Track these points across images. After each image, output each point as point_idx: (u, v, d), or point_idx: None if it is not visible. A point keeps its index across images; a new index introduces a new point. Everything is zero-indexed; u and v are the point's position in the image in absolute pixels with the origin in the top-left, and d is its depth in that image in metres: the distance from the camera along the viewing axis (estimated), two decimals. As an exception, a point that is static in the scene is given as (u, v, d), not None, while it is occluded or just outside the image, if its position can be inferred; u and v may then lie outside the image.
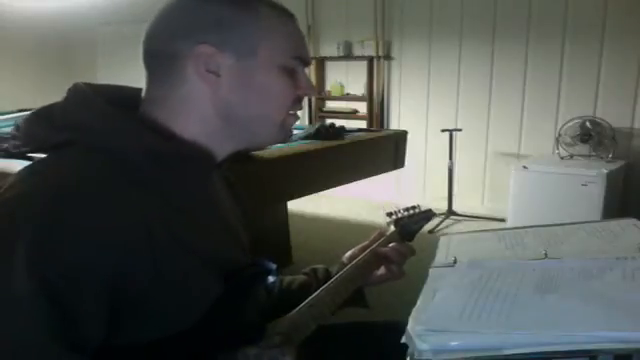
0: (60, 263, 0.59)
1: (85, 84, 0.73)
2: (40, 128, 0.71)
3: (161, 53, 0.73)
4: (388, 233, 1.05)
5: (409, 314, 0.66)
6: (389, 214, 1.08)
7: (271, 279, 0.77)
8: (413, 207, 1.12)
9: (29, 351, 0.58)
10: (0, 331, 0.58)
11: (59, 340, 0.59)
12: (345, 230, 3.71)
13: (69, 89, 0.73)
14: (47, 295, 0.58)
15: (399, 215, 1.09)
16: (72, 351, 0.60)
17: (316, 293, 0.87)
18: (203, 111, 0.73)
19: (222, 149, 0.76)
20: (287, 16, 0.77)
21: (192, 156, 0.73)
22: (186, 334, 0.69)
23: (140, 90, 0.78)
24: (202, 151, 0.74)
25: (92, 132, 0.68)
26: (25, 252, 0.58)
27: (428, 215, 1.14)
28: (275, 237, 2.87)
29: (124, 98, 0.75)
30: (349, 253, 1.04)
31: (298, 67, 0.77)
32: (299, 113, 0.81)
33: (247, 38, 0.73)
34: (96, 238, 0.61)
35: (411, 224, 1.10)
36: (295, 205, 3.06)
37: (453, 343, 0.59)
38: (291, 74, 0.76)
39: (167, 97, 0.73)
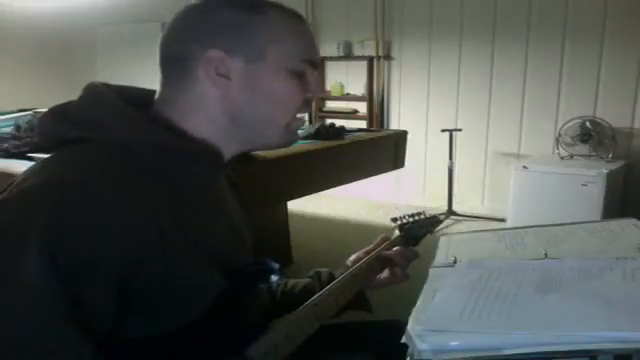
0: (72, 251, 0.60)
1: (100, 83, 0.75)
2: (55, 125, 0.73)
3: (174, 57, 0.76)
4: (392, 237, 1.06)
5: (409, 314, 0.66)
6: (394, 219, 1.08)
7: (274, 278, 0.77)
8: (419, 213, 1.12)
9: (43, 335, 0.59)
10: (14, 316, 0.58)
11: (72, 324, 0.60)
12: (345, 230, 3.71)
13: (84, 87, 0.75)
14: (59, 280, 0.59)
15: (404, 220, 1.09)
16: (84, 335, 0.61)
17: (320, 293, 0.87)
18: (212, 112, 0.75)
19: (228, 149, 0.78)
20: (296, 19, 0.78)
21: (203, 153, 0.75)
22: (188, 329, 0.70)
23: (150, 91, 0.80)
24: (212, 149, 0.76)
25: (108, 129, 0.70)
26: (38, 240, 0.59)
27: (433, 221, 1.14)
28: (275, 237, 2.87)
29: (136, 98, 0.77)
30: (353, 257, 1.05)
31: (307, 70, 0.78)
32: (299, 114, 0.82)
33: (256, 42, 0.74)
34: (108, 230, 0.62)
35: (416, 229, 1.10)
36: (295, 205, 3.06)
37: (453, 343, 0.59)
38: (300, 77, 0.77)
39: (179, 98, 0.75)
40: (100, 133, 0.70)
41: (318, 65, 0.81)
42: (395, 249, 1.03)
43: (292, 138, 0.81)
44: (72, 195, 0.62)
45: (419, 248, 1.08)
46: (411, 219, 1.10)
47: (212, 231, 0.76)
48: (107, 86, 0.75)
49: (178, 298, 0.69)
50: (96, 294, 0.63)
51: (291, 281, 1.05)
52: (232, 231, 0.83)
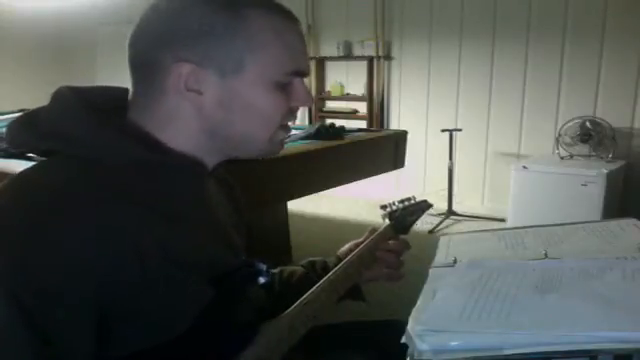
0: (39, 288, 0.56)
1: (69, 89, 0.70)
2: (25, 135, 0.68)
3: (142, 62, 0.70)
4: (382, 228, 1.02)
5: (409, 314, 0.66)
6: (383, 207, 1.04)
7: (262, 280, 0.75)
8: (408, 199, 1.07)
9: None
10: None
11: None
12: (345, 230, 3.71)
13: (52, 94, 0.69)
14: (26, 322, 0.56)
15: (393, 207, 1.04)
16: None
17: (311, 291, 0.84)
18: (188, 126, 0.70)
19: (210, 159, 0.74)
20: (283, 19, 0.70)
21: (181, 166, 0.70)
22: (180, 340, 0.68)
23: (125, 91, 0.74)
24: (191, 161, 0.71)
25: (76, 142, 0.65)
26: (0, 279, 0.56)
27: (423, 206, 1.09)
28: (275, 237, 2.87)
29: (110, 100, 0.72)
30: (345, 247, 1.02)
31: (294, 80, 0.72)
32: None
33: (233, 52, 0.66)
34: (76, 256, 0.58)
35: (406, 216, 1.05)
36: (295, 205, 3.06)
37: (453, 343, 0.58)
38: (284, 87, 0.71)
39: (152, 107, 0.70)
40: (70, 147, 0.65)
41: (307, 74, 0.73)
42: (387, 248, 0.99)
43: (276, 149, 0.75)
44: (33, 222, 0.58)
45: (411, 241, 1.04)
46: (401, 205, 1.05)
47: (195, 240, 0.71)
48: (77, 91, 0.70)
49: (164, 313, 0.66)
50: (69, 326, 0.59)
51: (287, 270, 1.02)
52: (219, 236, 0.78)
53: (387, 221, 1.03)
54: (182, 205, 0.71)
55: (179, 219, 0.69)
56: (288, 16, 0.71)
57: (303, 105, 0.75)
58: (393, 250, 1.00)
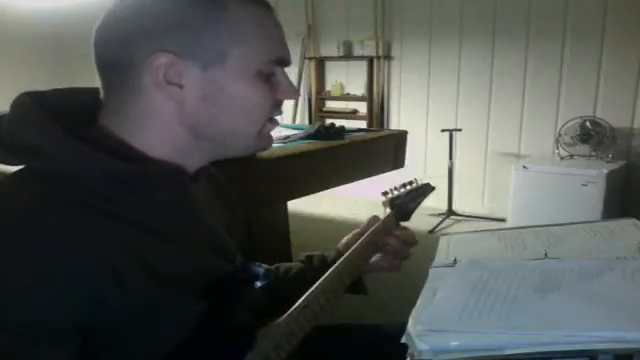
0: (12, 324, 0.53)
1: (29, 96, 0.65)
2: None
3: (113, 61, 0.65)
4: (383, 218, 0.99)
5: (409, 314, 0.66)
6: (384, 193, 1.01)
7: (258, 284, 0.73)
8: (410, 182, 1.05)
9: None
10: None
11: None
12: (345, 230, 3.65)
13: (11, 103, 0.64)
14: None
15: (395, 193, 1.01)
16: None
17: (309, 292, 0.79)
18: (168, 126, 0.66)
19: (191, 163, 0.71)
20: (261, 9, 0.68)
21: (159, 175, 0.67)
22: (174, 353, 0.66)
23: (97, 92, 0.70)
24: (170, 168, 0.68)
25: (39, 155, 0.61)
26: None
27: (426, 190, 1.07)
28: (275, 237, 2.87)
29: (79, 104, 0.68)
30: (345, 240, 1.01)
31: (276, 69, 0.70)
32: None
33: (213, 42, 0.64)
34: (48, 285, 0.55)
35: (408, 202, 1.02)
36: (295, 205, 3.06)
37: (453, 343, 0.59)
38: (268, 78, 0.69)
39: (126, 109, 0.66)
40: (33, 160, 0.61)
41: (289, 62, 0.71)
42: (398, 236, 0.96)
43: (265, 144, 0.72)
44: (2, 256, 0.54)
45: (412, 228, 1.01)
46: (403, 190, 1.02)
47: (182, 255, 0.68)
48: (39, 98, 0.65)
49: (153, 332, 0.64)
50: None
51: (282, 266, 1.00)
52: (209, 242, 0.75)
53: (388, 210, 1.00)
54: (163, 217, 0.67)
55: (161, 233, 0.66)
56: (264, 4, 0.69)
57: (288, 98, 0.72)
58: (394, 249, 0.97)
